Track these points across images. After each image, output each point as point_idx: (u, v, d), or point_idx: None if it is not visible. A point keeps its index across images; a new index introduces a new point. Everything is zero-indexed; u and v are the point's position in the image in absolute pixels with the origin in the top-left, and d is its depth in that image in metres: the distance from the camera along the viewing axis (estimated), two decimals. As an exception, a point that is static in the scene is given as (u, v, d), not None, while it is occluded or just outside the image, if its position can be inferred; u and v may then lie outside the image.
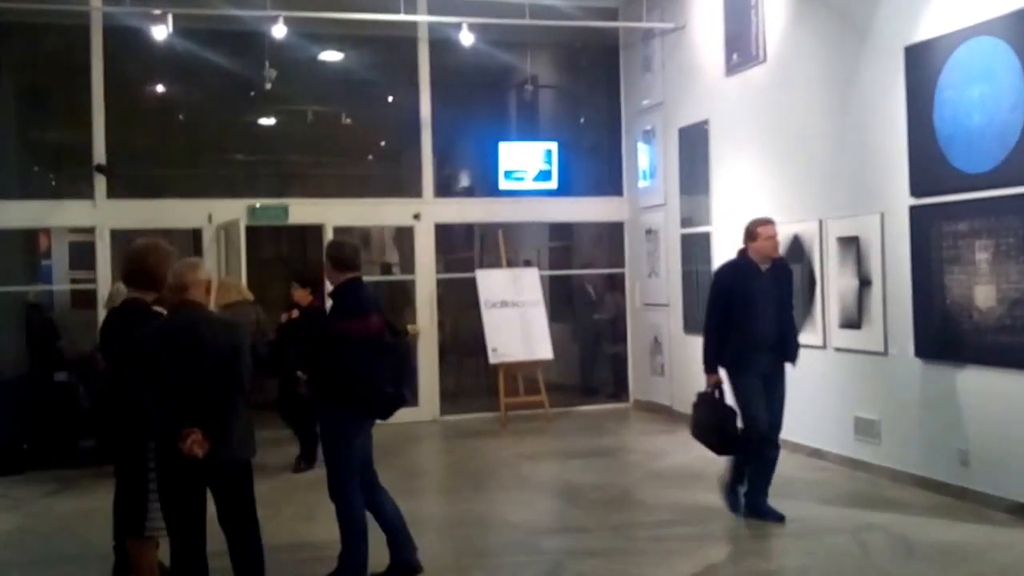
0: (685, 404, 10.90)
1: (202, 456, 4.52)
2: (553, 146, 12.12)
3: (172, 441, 4.53)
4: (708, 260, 10.34)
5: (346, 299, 5.45)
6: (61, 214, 10.77)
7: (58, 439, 8.92)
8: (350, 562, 5.29)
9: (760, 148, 9.45)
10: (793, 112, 8.93)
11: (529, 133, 13.02)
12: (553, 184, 12.14)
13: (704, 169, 10.41)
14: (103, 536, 6.04)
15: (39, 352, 10.43)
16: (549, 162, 12.09)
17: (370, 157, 13.33)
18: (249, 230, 10.41)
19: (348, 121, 12.67)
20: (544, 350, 11.22)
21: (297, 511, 6.42)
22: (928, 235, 7.24)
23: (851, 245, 8.10)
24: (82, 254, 11.12)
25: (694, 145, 10.60)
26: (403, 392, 5.53)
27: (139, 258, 5.21)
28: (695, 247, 10.63)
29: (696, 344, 10.75)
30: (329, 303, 5.72)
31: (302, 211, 11.08)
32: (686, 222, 10.85)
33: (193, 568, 4.72)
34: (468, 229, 13.66)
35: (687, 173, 10.81)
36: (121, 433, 5.17)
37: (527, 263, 12.73)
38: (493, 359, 11.02)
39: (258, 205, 10.82)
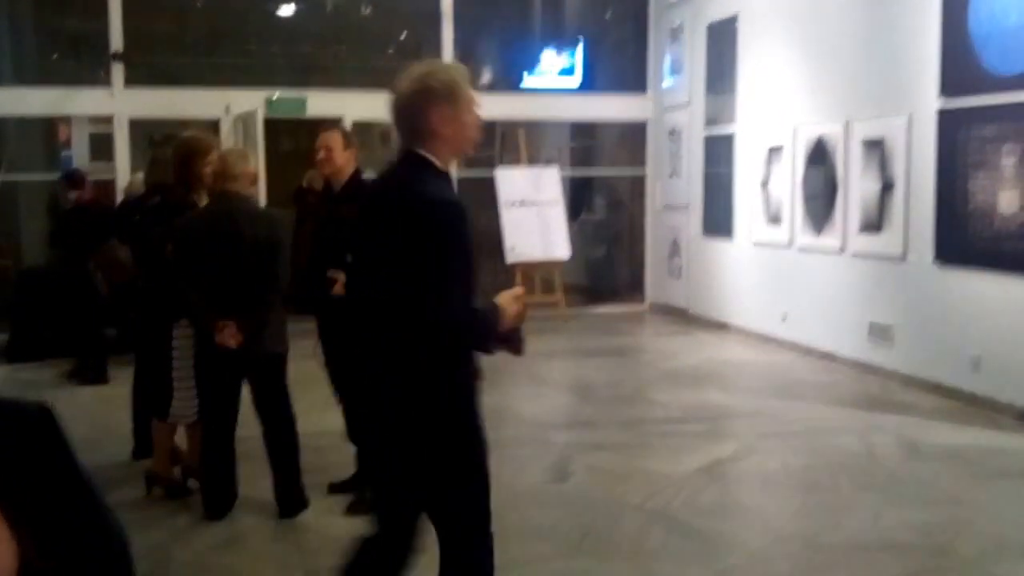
0: (700, 307, 10.94)
1: (235, 347, 4.61)
2: (579, 42, 11.90)
3: (208, 328, 4.61)
4: (730, 162, 10.23)
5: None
6: (79, 102, 10.72)
7: (79, 327, 9.04)
8: None
9: (788, 46, 9.24)
10: (823, 9, 8.69)
11: (553, 27, 12.77)
12: (576, 81, 11.94)
13: (731, 67, 10.20)
14: (121, 421, 6.19)
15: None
16: (573, 58, 11.87)
17: (390, 50, 13.13)
18: (267, 122, 10.36)
19: (368, 11, 12.45)
20: (562, 250, 11.21)
21: (314, 400, 6.53)
22: (955, 139, 7.10)
23: (876, 148, 7.98)
24: (102, 145, 11.12)
25: (722, 42, 10.37)
26: None
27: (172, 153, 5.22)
28: (718, 148, 10.50)
29: (714, 247, 10.77)
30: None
31: (320, 103, 10.97)
32: (710, 122, 10.69)
33: (220, 449, 4.88)
34: (488, 126, 13.50)
35: (713, 71, 10.61)
36: (146, 319, 5.27)
37: (548, 162, 12.64)
38: (510, 258, 11.03)
39: (276, 96, 10.72)
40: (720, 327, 10.37)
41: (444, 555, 2.91)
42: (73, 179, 8.42)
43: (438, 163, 2.75)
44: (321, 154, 4.94)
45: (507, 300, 2.84)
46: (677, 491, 5.25)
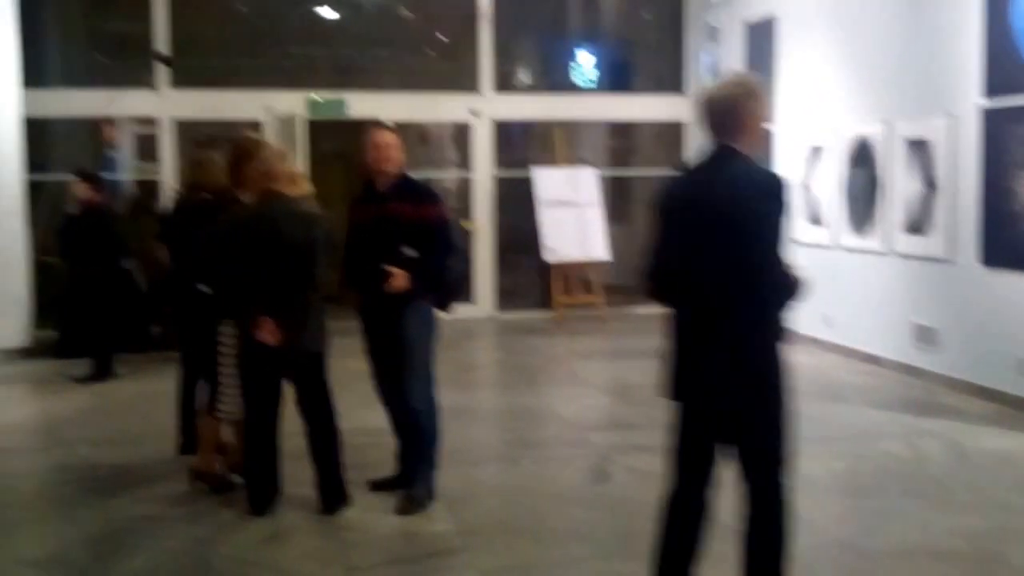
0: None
1: (273, 345, 4.67)
2: (615, 42, 11.89)
3: (248, 325, 4.67)
4: (767, 162, 10.16)
5: (419, 185, 5.12)
6: (125, 103, 10.89)
7: (125, 325, 9.17)
8: (432, 470, 5.13)
9: (828, 45, 9.16)
10: (864, 7, 8.61)
11: (591, 28, 12.75)
12: (614, 81, 11.92)
13: (769, 67, 10.13)
14: (166, 417, 6.26)
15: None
16: (611, 58, 11.85)
17: (430, 52, 13.17)
18: (308, 123, 10.47)
19: (407, 13, 12.49)
20: (600, 250, 11.20)
21: (353, 398, 6.57)
22: (999, 138, 7.00)
23: (919, 148, 7.88)
24: (147, 146, 11.29)
25: (760, 42, 10.31)
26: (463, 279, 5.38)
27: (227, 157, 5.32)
28: (758, 149, 10.42)
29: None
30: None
31: (360, 105, 11.05)
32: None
33: (263, 446, 4.93)
34: (526, 126, 13.51)
35: (752, 71, 10.52)
36: (189, 317, 5.35)
37: (584, 162, 12.61)
38: (549, 258, 11.03)
39: (317, 98, 10.81)
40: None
41: (754, 490, 3.46)
42: (93, 178, 8.42)
43: (744, 152, 3.31)
44: (383, 152, 4.91)
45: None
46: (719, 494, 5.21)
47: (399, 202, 4.92)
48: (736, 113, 3.30)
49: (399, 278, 4.78)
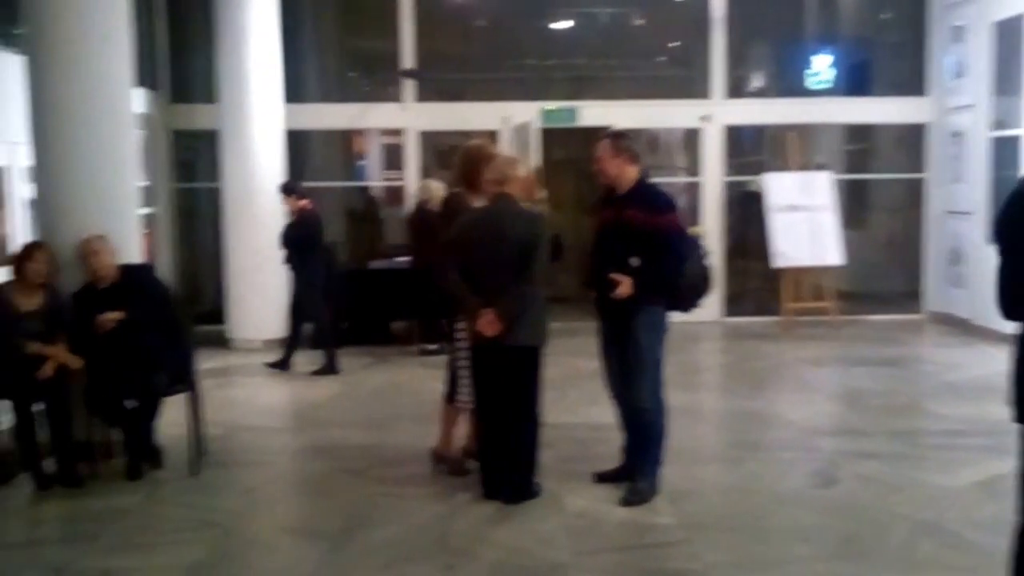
0: (985, 317, 10.31)
1: (491, 335, 5.00)
2: (852, 44, 11.60)
3: (471, 318, 5.04)
4: (1015, 166, 9.63)
5: (655, 193, 5.26)
6: (373, 116, 11.69)
7: (374, 321, 9.86)
8: (656, 465, 5.27)
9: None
10: None
11: (828, 30, 12.47)
12: (851, 84, 11.61)
13: (1019, 68, 9.60)
14: (408, 405, 6.74)
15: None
16: (848, 61, 11.56)
17: (662, 58, 13.29)
18: (543, 132, 10.86)
19: (640, 22, 12.68)
20: (833, 256, 10.94)
21: (581, 395, 6.83)
22: None
23: None
24: (392, 155, 12.08)
25: (1010, 41, 9.79)
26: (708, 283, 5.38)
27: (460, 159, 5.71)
28: (1006, 151, 9.91)
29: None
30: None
31: (591, 113, 11.30)
32: (998, 124, 10.10)
33: (493, 434, 5.22)
34: (758, 131, 13.37)
35: (1001, 71, 10.02)
36: (436, 313, 5.78)
37: (820, 166, 12.34)
38: (779, 262, 10.90)
39: (549, 108, 11.18)
40: (1008, 339, 9.74)
41: None
42: (295, 189, 8.85)
43: None
44: (594, 165, 5.19)
45: None
46: (951, 504, 5.09)
47: (634, 208, 5.08)
48: None
49: (624, 286, 4.96)
